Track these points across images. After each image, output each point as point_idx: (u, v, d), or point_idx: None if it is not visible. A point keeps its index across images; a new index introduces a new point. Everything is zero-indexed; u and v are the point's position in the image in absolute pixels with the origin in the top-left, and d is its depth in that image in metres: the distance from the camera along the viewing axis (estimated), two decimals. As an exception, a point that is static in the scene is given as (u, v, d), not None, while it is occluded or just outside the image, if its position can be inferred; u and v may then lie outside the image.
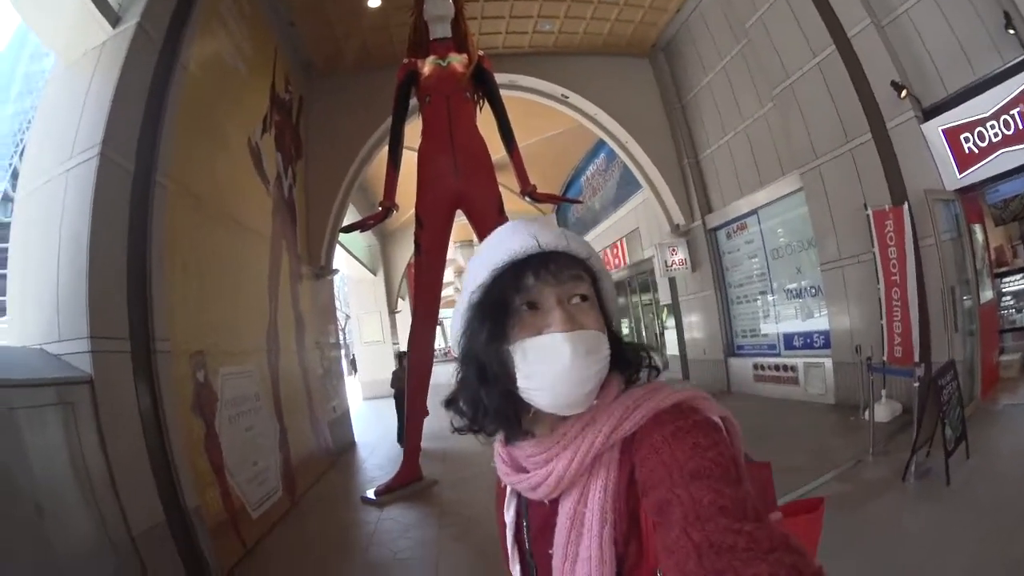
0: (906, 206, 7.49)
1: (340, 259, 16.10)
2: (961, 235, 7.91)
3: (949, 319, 7.51)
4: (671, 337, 16.49)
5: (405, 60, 8.59)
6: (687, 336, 15.18)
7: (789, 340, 11.26)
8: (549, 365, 1.03)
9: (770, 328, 11.85)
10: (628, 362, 1.17)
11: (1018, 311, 9.09)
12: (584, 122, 14.31)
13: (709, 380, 13.83)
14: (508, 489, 1.25)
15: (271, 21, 10.11)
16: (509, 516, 1.26)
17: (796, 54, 9.16)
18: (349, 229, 9.10)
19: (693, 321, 14.68)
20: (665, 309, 16.79)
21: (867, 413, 7.24)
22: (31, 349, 5.00)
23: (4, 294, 5.79)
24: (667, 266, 14.27)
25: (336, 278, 14.33)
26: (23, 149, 6.41)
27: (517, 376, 1.07)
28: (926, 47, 7.61)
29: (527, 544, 1.22)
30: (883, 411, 7.57)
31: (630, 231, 18.29)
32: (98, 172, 5.22)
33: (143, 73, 5.98)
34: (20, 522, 3.86)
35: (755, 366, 12.04)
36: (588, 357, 1.03)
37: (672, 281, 15.22)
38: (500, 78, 10.55)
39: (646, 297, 20.41)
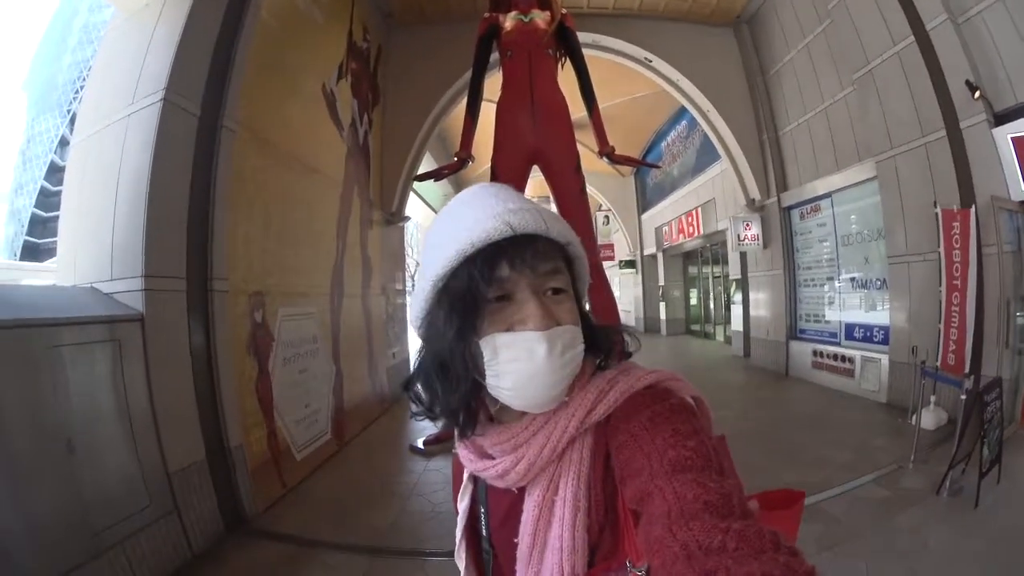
0: (973, 209, 7.19)
1: (414, 206, 16.14)
2: (1022, 248, 7.58)
3: (1002, 334, 7.21)
4: (736, 312, 16.18)
5: (487, 14, 8.47)
6: (752, 313, 14.86)
7: (850, 331, 10.94)
8: (522, 363, 0.99)
9: (833, 316, 11.52)
10: (599, 345, 1.13)
11: None
12: (666, 87, 13.98)
13: (769, 362, 13.65)
14: (465, 475, 1.25)
15: None
16: (463, 503, 1.25)
17: (877, 40, 8.82)
18: (423, 178, 9.07)
19: (760, 299, 14.36)
20: (734, 284, 16.39)
21: (914, 418, 7.03)
22: (81, 288, 5.11)
23: (55, 235, 5.90)
24: (739, 240, 13.95)
25: (408, 225, 14.35)
26: (82, 97, 6.48)
27: (486, 373, 1.02)
28: (998, 51, 7.27)
29: (484, 532, 1.21)
30: (930, 418, 7.31)
31: (706, 201, 17.96)
32: (161, 115, 5.25)
33: (211, 21, 5.97)
34: (49, 457, 3.97)
35: (814, 352, 11.76)
36: (564, 355, 0.99)
37: (743, 256, 14.89)
38: (583, 37, 10.39)
39: (716, 269, 20.10)
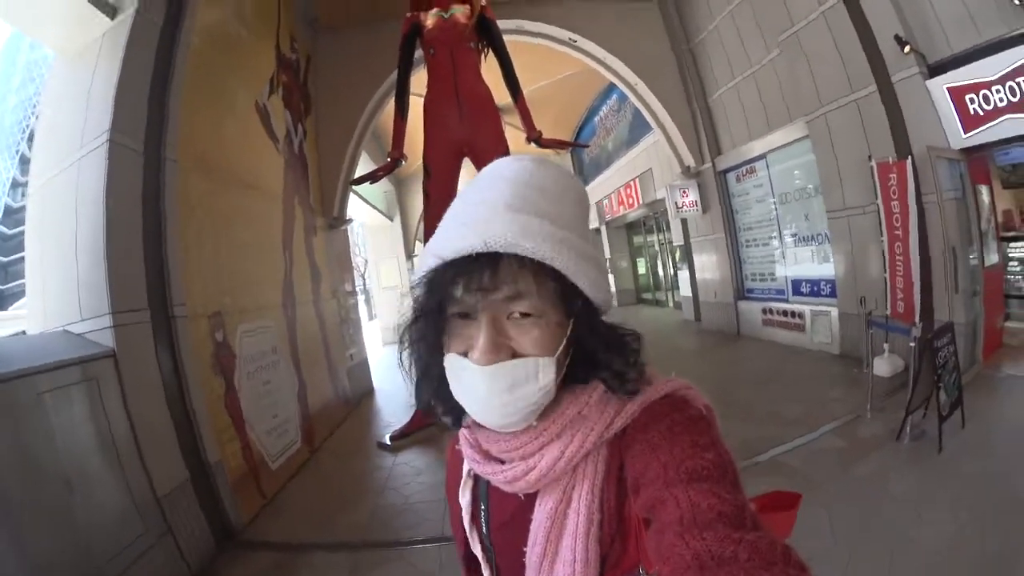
0: (909, 160, 7.49)
1: (356, 207, 16.28)
2: (966, 195, 7.91)
3: (950, 279, 7.54)
4: (684, 278, 16.63)
5: (408, 13, 8.69)
6: (699, 277, 15.30)
7: (797, 286, 11.37)
8: (469, 393, 0.99)
9: (779, 273, 11.94)
10: (608, 369, 1.03)
11: None
12: (593, 65, 14.26)
13: (720, 323, 14.14)
14: (465, 470, 1.21)
15: None
16: (465, 500, 1.21)
17: (801, 2, 9.15)
18: (360, 181, 9.28)
19: (704, 263, 14.78)
20: (678, 250, 16.85)
21: (874, 366, 7.32)
22: (53, 333, 5.31)
23: (16, 278, 6.05)
24: (678, 208, 14.40)
25: (354, 225, 14.51)
26: (30, 135, 6.62)
27: (450, 385, 1.02)
28: (932, 4, 7.52)
29: (484, 530, 1.17)
30: (885, 366, 7.66)
31: (643, 171, 18.29)
32: (109, 157, 5.44)
33: (145, 57, 6.15)
34: (51, 499, 4.19)
35: (764, 311, 12.19)
36: (513, 392, 0.95)
37: (684, 223, 15.33)
38: (506, 24, 10.84)
39: (660, 237, 20.55)
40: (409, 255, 24.38)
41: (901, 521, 4.56)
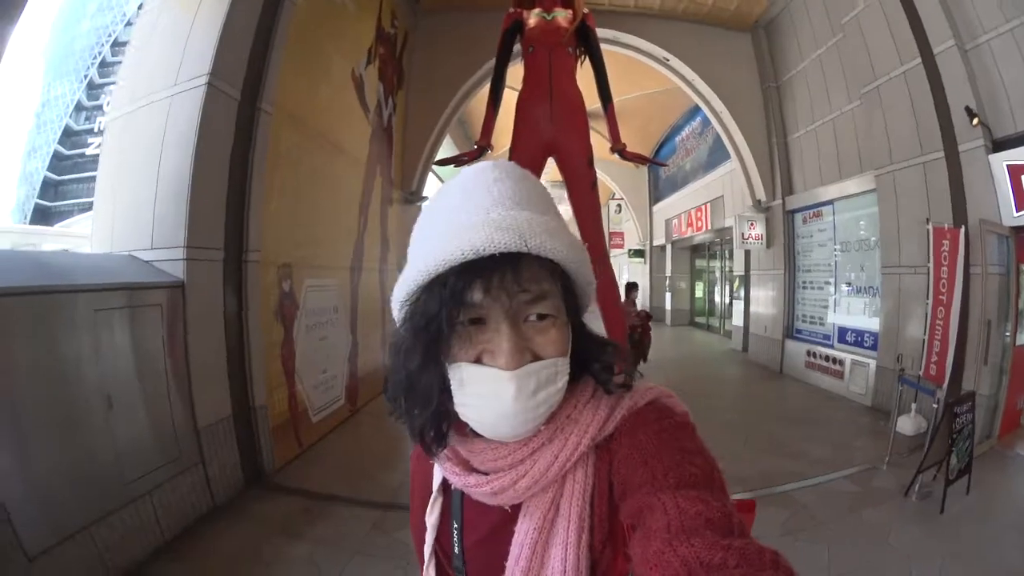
0: (963, 229, 7.41)
1: (430, 185, 16.47)
2: (1008, 271, 7.81)
3: (981, 351, 7.44)
4: (738, 308, 16.53)
5: (511, 9, 8.72)
6: (752, 310, 15.20)
7: (843, 334, 11.22)
8: (488, 401, 0.91)
9: (828, 319, 11.79)
10: (598, 362, 1.02)
11: None
12: (682, 85, 14.22)
13: (765, 357, 13.98)
14: (436, 485, 1.14)
15: None
16: (432, 518, 1.13)
17: (885, 59, 9.04)
18: (445, 162, 9.38)
19: (760, 296, 14.69)
20: (737, 280, 16.70)
21: (898, 423, 7.31)
22: (119, 255, 5.49)
23: (66, 198, 6.16)
24: (743, 238, 14.28)
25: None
26: (101, 61, 6.75)
27: (454, 398, 0.96)
28: (1003, 80, 7.45)
29: (457, 549, 1.10)
30: (909, 424, 7.51)
31: (715, 197, 18.19)
32: (205, 99, 5.61)
33: (251, 8, 6.30)
34: (90, 412, 4.34)
35: (808, 352, 12.04)
36: (536, 395, 0.91)
37: (747, 254, 15.17)
38: (604, 33, 10.70)
39: (722, 264, 20.40)
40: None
41: (893, 571, 4.64)
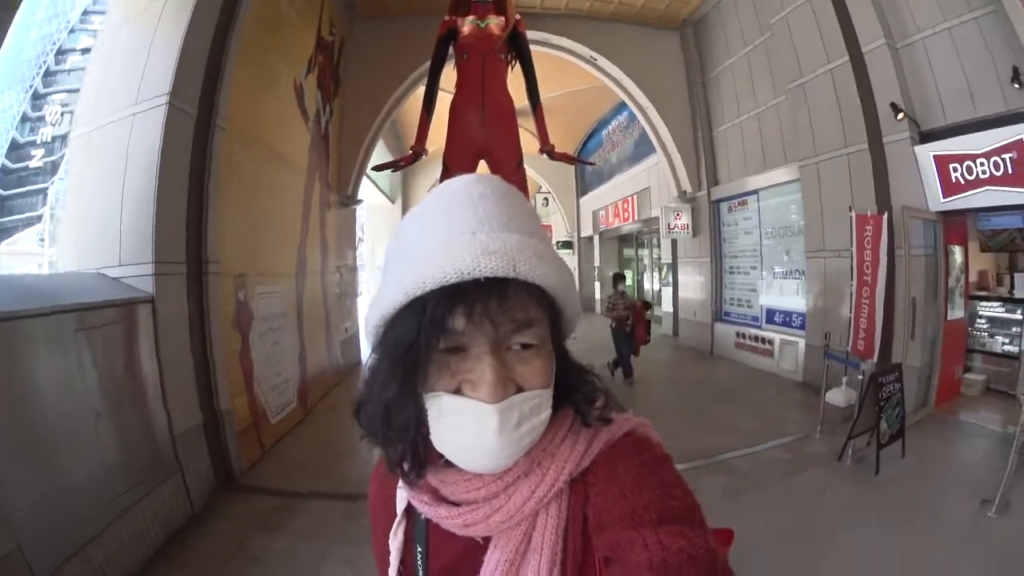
0: (886, 216, 7.89)
1: (366, 189, 16.64)
2: (936, 253, 8.38)
3: (907, 327, 7.98)
4: (667, 294, 17.10)
5: (446, 17, 8.95)
6: (681, 296, 15.82)
7: (771, 315, 11.80)
8: (467, 435, 0.87)
9: (756, 301, 12.39)
10: (579, 392, 0.98)
11: (990, 336, 9.39)
12: (609, 84, 14.72)
13: (695, 340, 14.64)
14: (400, 509, 1.08)
15: None
16: (396, 543, 1.07)
17: (812, 57, 9.53)
18: (381, 168, 9.65)
19: (688, 283, 15.29)
20: (665, 267, 17.26)
21: (827, 396, 7.81)
22: (88, 274, 5.68)
23: (12, 213, 6.18)
24: (669, 228, 14.83)
25: (361, 207, 14.94)
26: (46, 71, 6.91)
27: (430, 428, 0.91)
28: (934, 76, 7.93)
29: (420, 574, 1.04)
30: (840, 396, 7.99)
31: (642, 189, 18.75)
32: (167, 118, 5.82)
33: (206, 29, 6.51)
34: (81, 426, 4.55)
35: (737, 334, 12.66)
36: (520, 428, 0.86)
37: (674, 243, 15.76)
38: (534, 35, 11.13)
39: (650, 253, 20.94)
40: (407, 236, 24.37)
41: (829, 525, 5.17)
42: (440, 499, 0.96)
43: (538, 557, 0.88)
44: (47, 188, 42.02)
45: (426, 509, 0.97)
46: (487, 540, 0.93)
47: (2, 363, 3.89)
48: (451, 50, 9.04)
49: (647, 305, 11.16)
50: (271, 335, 8.27)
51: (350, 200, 13.41)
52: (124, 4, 6.50)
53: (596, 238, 25.32)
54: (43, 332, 4.31)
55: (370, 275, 25.16)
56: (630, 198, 19.97)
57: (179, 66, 5.99)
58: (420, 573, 1.03)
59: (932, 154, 7.87)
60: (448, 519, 0.93)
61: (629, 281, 23.89)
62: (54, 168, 43.40)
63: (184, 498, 5.67)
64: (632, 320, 10.58)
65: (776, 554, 4.60)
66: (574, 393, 0.96)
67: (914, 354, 8.19)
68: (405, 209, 24.40)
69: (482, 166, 8.74)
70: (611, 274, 12.37)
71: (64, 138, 45.10)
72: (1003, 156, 7.10)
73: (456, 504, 0.94)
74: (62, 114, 44.37)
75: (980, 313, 9.61)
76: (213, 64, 6.66)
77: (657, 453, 0.93)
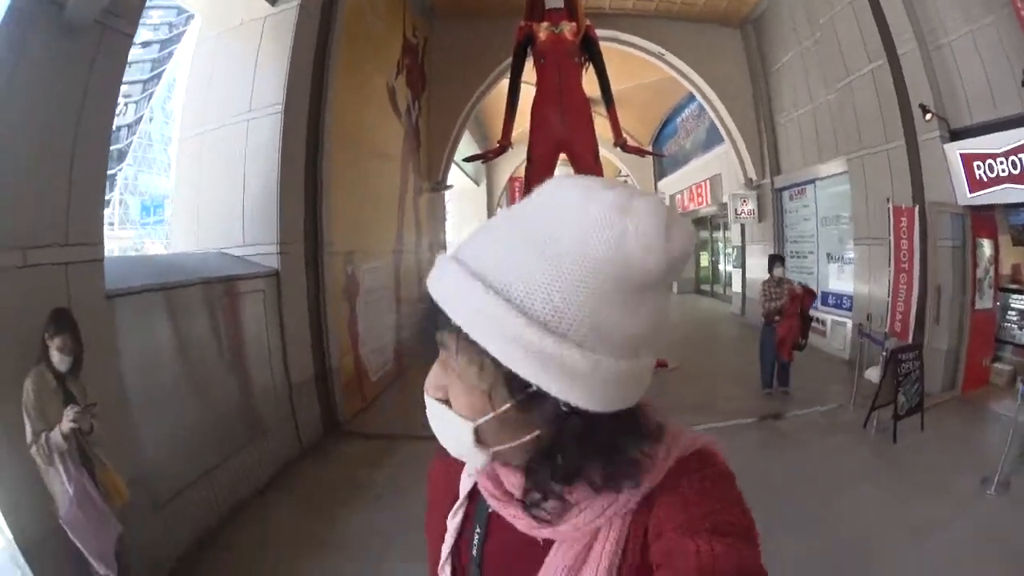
0: (917, 208, 8.36)
1: (453, 175, 17.42)
2: (964, 245, 8.68)
3: (932, 311, 8.41)
4: (737, 275, 17.76)
5: (522, 23, 9.81)
6: (748, 277, 16.30)
7: (824, 298, 12.15)
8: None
9: (811, 284, 12.57)
10: (599, 459, 0.81)
11: (1020, 328, 9.24)
12: (677, 77, 15.35)
13: (759, 317, 14.90)
14: (463, 491, 1.06)
15: None
16: (455, 522, 1.06)
17: (856, 57, 9.87)
18: (472, 160, 10.65)
19: (754, 265, 15.68)
20: (735, 250, 17.92)
21: (866, 372, 8.18)
22: (218, 253, 6.71)
23: None
24: (737, 214, 15.57)
25: (449, 192, 15.91)
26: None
27: None
28: (961, 77, 8.22)
29: (475, 552, 1.02)
30: (876, 373, 8.06)
31: (713, 175, 19.14)
32: (283, 123, 6.77)
33: (307, 43, 7.37)
34: (221, 373, 5.73)
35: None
36: (441, 432, 0.89)
37: (743, 227, 16.35)
38: (604, 33, 11.80)
39: (724, 236, 21.53)
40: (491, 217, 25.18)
41: (845, 478, 5.95)
42: (508, 495, 0.92)
43: (594, 569, 0.85)
44: (115, 174, 43.22)
45: (495, 504, 0.94)
46: (547, 540, 0.90)
47: (159, 325, 4.97)
48: (530, 54, 9.87)
49: (810, 293, 8.83)
50: (374, 305, 9.35)
51: (440, 185, 14.39)
52: (219, 21, 7.28)
53: (676, 222, 25.30)
54: (196, 298, 5.40)
55: None
56: (703, 183, 20.37)
57: (289, 79, 6.90)
58: (475, 553, 1.01)
59: (959, 152, 8.19)
60: (516, 518, 0.91)
61: (705, 262, 24.58)
62: (120, 156, 44.90)
63: (295, 439, 6.76)
64: (785, 312, 8.46)
65: (798, 495, 5.40)
66: (591, 458, 0.81)
67: (941, 338, 8.59)
68: (490, 191, 25.72)
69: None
70: (768, 255, 10.01)
71: (130, 127, 47.02)
72: (1020, 156, 7.41)
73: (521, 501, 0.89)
74: (126, 104, 45.42)
75: (1012, 305, 9.52)
76: (317, 75, 7.62)
77: (720, 469, 0.89)
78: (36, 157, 3.71)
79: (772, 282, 8.72)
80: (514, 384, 0.75)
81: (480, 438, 0.82)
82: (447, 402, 0.85)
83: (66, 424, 3.07)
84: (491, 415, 0.80)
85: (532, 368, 0.72)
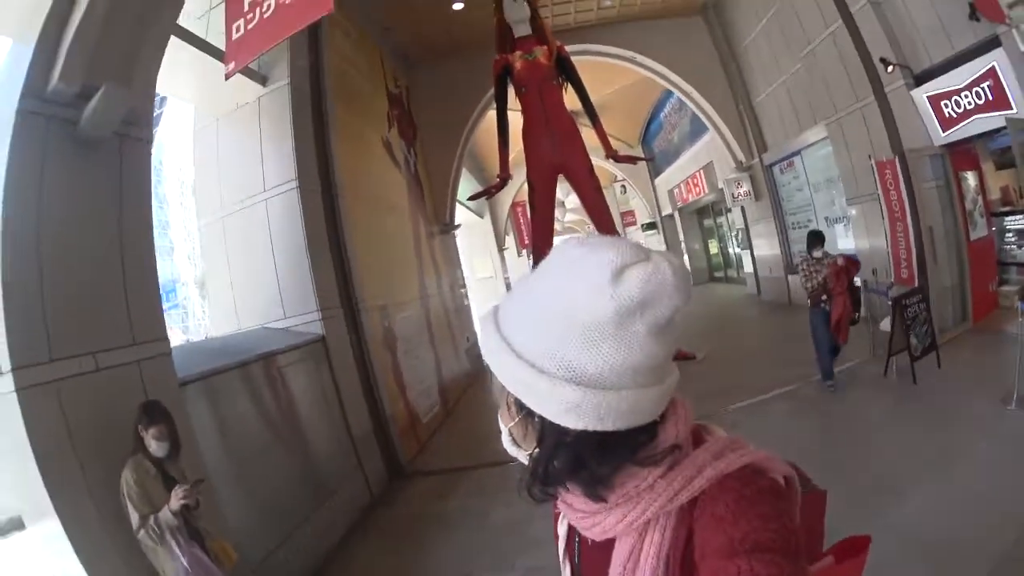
0: (897, 159, 8.63)
1: (460, 214, 17.58)
2: (948, 182, 8.99)
3: (929, 252, 8.68)
4: (746, 257, 18.01)
5: (496, 56, 10.19)
6: (757, 255, 16.71)
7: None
8: None
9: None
10: (585, 472, 0.96)
11: (1019, 247, 9.62)
12: (653, 77, 15.79)
13: (774, 294, 15.51)
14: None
15: (371, 32, 11.58)
16: (562, 529, 1.23)
17: (814, 24, 10.22)
18: (476, 197, 11.03)
19: (760, 243, 16.18)
20: (740, 232, 18.20)
21: (881, 324, 8.55)
22: (263, 328, 7.14)
23: None
24: (734, 197, 15.95)
25: (459, 231, 16.43)
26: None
27: None
28: (913, 21, 8.53)
29: (575, 559, 1.18)
30: (889, 324, 8.31)
31: (705, 164, 19.42)
32: (301, 198, 7.14)
33: (305, 115, 7.71)
34: (291, 438, 6.13)
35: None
36: (502, 433, 1.11)
37: (743, 208, 16.66)
38: (574, 47, 12.28)
39: (726, 220, 21.73)
40: (500, 247, 25.84)
41: (874, 424, 6.41)
42: (567, 505, 1.04)
43: (648, 556, 0.94)
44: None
45: (561, 504, 1.06)
46: (610, 542, 1.01)
47: (226, 405, 5.35)
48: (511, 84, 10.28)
49: (853, 262, 7.94)
50: (413, 351, 9.72)
51: (448, 227, 14.84)
52: (214, 107, 7.66)
53: (676, 214, 26.05)
54: (257, 375, 5.80)
55: (474, 287, 26.10)
56: (698, 173, 20.66)
57: (297, 155, 7.26)
58: (576, 547, 1.16)
59: (925, 96, 8.55)
60: (574, 519, 1.05)
61: (715, 249, 24.79)
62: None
63: (365, 488, 7.11)
64: (830, 290, 7.62)
65: (828, 447, 5.92)
66: (580, 470, 0.95)
67: (944, 276, 8.91)
68: (495, 222, 25.94)
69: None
70: (808, 232, 8.45)
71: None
72: (981, 86, 7.74)
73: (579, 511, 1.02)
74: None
75: (1008, 227, 9.89)
76: (319, 143, 8.00)
77: (760, 485, 0.91)
78: (88, 267, 4.05)
79: (811, 260, 7.80)
80: (518, 402, 0.99)
81: (515, 440, 1.07)
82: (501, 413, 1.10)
83: (176, 502, 3.33)
84: (512, 423, 1.05)
85: (512, 385, 0.95)
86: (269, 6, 4.72)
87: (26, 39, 3.84)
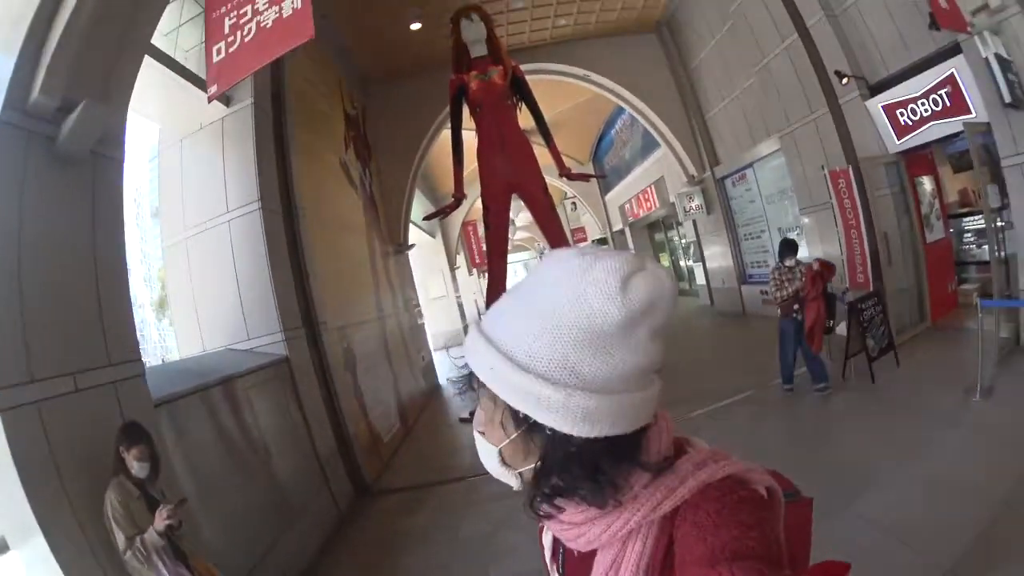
0: (851, 168, 9.02)
1: (414, 235, 17.83)
2: (904, 188, 9.40)
3: (884, 257, 9.05)
4: (699, 269, 18.38)
5: (452, 76, 10.28)
6: (709, 267, 17.07)
7: (783, 269, 12.82)
8: None
9: (769, 260, 13.18)
10: (588, 481, 0.97)
11: (979, 247, 10.12)
12: (604, 94, 16.11)
13: (728, 305, 15.94)
14: None
15: (330, 53, 11.67)
16: (547, 539, 1.24)
17: (768, 39, 10.53)
18: (431, 217, 11.12)
19: (713, 255, 16.52)
20: (692, 246, 18.55)
21: (837, 328, 8.49)
22: (225, 350, 7.12)
23: None
24: (686, 211, 16.23)
25: (412, 251, 16.46)
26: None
27: None
28: (872, 34, 8.85)
29: (561, 570, 1.19)
30: (845, 327, 8.62)
31: (657, 179, 19.72)
32: (263, 219, 7.14)
33: (267, 136, 7.73)
34: (259, 459, 6.12)
35: (761, 292, 13.67)
36: (481, 454, 1.09)
37: (695, 222, 16.98)
38: (528, 66, 12.42)
39: (678, 233, 22.11)
40: (452, 267, 25.94)
41: (834, 420, 6.82)
42: (550, 516, 1.03)
43: (629, 566, 0.95)
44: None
45: (549, 522, 1.05)
46: (593, 553, 1.02)
47: (196, 426, 5.37)
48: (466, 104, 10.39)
49: (828, 266, 7.75)
50: (371, 370, 9.77)
51: (403, 247, 14.96)
52: (179, 127, 7.53)
53: (627, 230, 26.29)
54: (225, 396, 5.83)
55: (427, 306, 26.10)
56: (649, 188, 20.94)
57: (260, 178, 7.26)
58: (561, 558, 1.16)
59: (880, 105, 8.89)
60: (558, 531, 1.05)
61: (666, 262, 24.84)
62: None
63: (333, 506, 7.16)
64: (803, 297, 7.64)
65: (790, 448, 6.17)
66: (578, 479, 0.96)
67: (900, 278, 9.29)
68: (446, 242, 26.02)
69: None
70: (780, 240, 8.39)
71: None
72: (939, 92, 8.04)
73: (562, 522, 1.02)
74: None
75: (966, 228, 10.45)
76: (280, 164, 8.04)
77: (742, 495, 0.92)
78: (64, 286, 4.06)
79: (783, 269, 7.78)
80: (517, 416, 0.96)
81: (505, 460, 1.04)
82: (483, 433, 1.07)
83: (161, 523, 3.34)
84: (507, 441, 1.00)
85: (518, 400, 0.93)
86: (250, 30, 4.76)
87: (10, 49, 3.83)
